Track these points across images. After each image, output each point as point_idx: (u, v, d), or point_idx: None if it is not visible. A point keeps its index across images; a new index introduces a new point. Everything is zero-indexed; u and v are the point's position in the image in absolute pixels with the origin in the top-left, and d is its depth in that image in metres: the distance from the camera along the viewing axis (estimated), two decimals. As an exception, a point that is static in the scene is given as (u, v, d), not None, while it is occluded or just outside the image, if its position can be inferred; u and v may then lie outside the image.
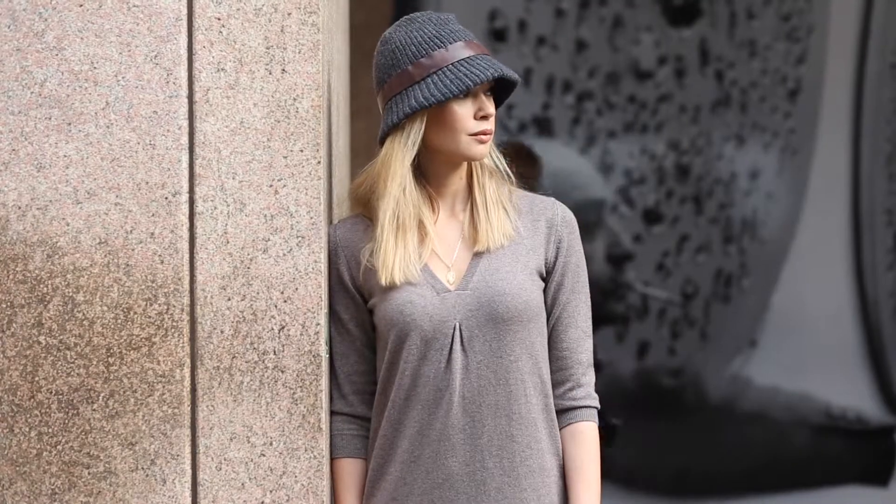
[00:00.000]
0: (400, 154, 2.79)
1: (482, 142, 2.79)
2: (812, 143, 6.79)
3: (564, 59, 6.47)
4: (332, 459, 2.84)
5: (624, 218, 6.70)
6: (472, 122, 2.78)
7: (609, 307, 6.70)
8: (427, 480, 2.78)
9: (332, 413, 2.85)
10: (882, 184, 6.88)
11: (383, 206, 2.79)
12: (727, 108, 6.71)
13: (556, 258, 2.83)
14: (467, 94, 2.77)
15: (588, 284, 2.87)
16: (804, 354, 6.76)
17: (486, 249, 2.80)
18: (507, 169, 2.87)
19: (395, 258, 2.79)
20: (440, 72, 2.75)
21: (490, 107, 2.79)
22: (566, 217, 2.86)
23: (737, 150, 6.73)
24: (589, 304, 2.87)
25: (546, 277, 2.83)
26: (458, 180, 2.85)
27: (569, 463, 2.85)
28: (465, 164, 2.84)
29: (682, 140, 6.71)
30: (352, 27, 4.51)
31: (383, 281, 2.77)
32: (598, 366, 2.95)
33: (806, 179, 6.82)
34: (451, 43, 2.78)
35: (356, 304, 2.83)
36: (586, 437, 2.87)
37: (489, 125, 2.79)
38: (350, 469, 2.85)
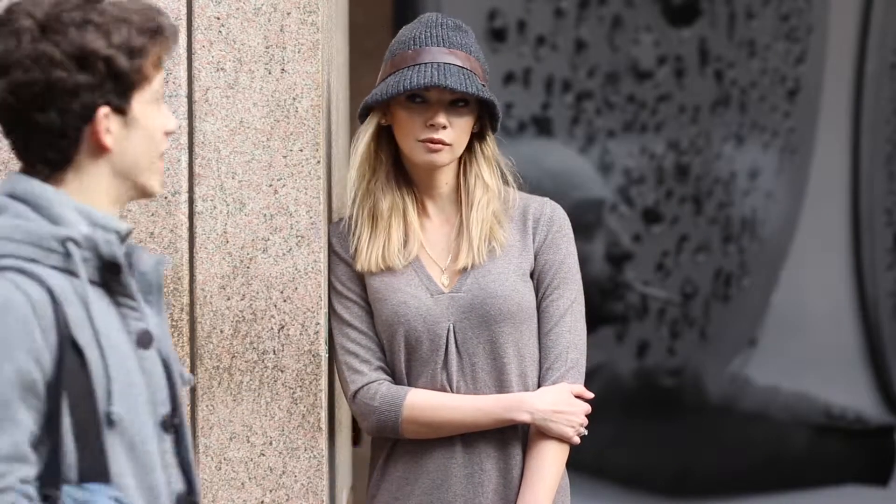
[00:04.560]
0: (366, 149, 2.80)
1: (429, 150, 2.76)
2: (811, 142, 6.79)
3: (564, 58, 6.47)
4: (406, 401, 2.76)
5: (623, 218, 6.70)
6: (421, 128, 2.76)
7: (608, 307, 6.70)
8: (427, 481, 2.78)
9: (373, 382, 2.79)
10: (881, 184, 6.87)
11: (358, 199, 2.80)
12: (726, 107, 6.70)
13: (538, 255, 2.82)
14: (417, 98, 2.76)
15: (579, 283, 2.85)
16: (804, 354, 6.75)
17: (467, 267, 2.79)
18: (508, 174, 2.86)
19: (370, 248, 2.79)
20: (397, 72, 2.75)
21: (441, 117, 2.75)
22: (553, 215, 2.84)
23: (736, 149, 6.73)
24: (579, 301, 2.84)
25: (533, 275, 2.83)
26: (443, 185, 2.84)
27: (527, 459, 2.81)
28: (448, 171, 2.83)
29: (682, 140, 6.70)
30: (351, 27, 4.51)
31: (358, 266, 2.78)
32: (597, 366, 2.93)
33: (805, 179, 6.81)
34: (424, 46, 2.76)
35: (361, 281, 2.82)
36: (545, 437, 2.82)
37: (437, 134, 2.75)
38: (427, 391, 2.79)
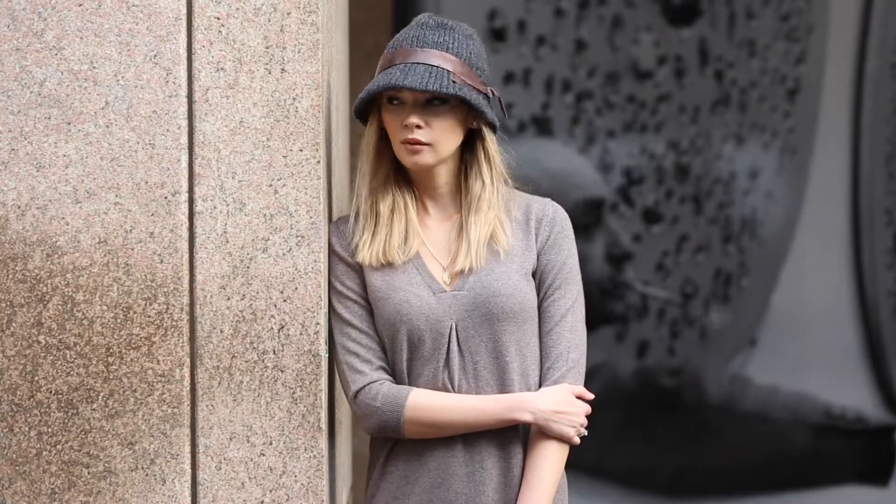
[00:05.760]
0: (364, 149, 2.82)
1: (409, 151, 2.77)
2: (811, 142, 6.79)
3: (564, 58, 6.47)
4: (408, 401, 2.76)
5: (623, 217, 6.70)
6: (399, 129, 2.77)
7: (608, 307, 6.70)
8: (427, 479, 2.79)
9: (374, 382, 2.80)
10: (881, 184, 6.88)
11: (363, 195, 2.82)
12: (726, 107, 6.70)
13: (540, 255, 2.83)
14: (394, 100, 2.76)
15: (580, 283, 2.86)
16: (804, 354, 6.75)
17: (464, 269, 2.80)
18: (509, 173, 2.86)
19: (371, 244, 2.80)
20: (379, 74, 2.77)
21: (412, 117, 2.76)
22: (555, 216, 2.85)
23: (736, 149, 6.73)
24: (580, 301, 2.85)
25: (534, 275, 2.83)
26: (443, 184, 2.84)
27: (528, 459, 2.82)
28: (446, 170, 2.83)
29: (682, 140, 6.71)
30: (351, 27, 4.52)
31: (358, 258, 2.79)
32: (597, 366, 2.94)
33: (805, 179, 6.82)
34: (400, 48, 2.77)
35: (361, 280, 2.83)
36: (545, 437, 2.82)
37: (412, 134, 2.76)
38: (429, 391, 2.79)
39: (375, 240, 2.80)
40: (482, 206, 2.81)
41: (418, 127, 2.75)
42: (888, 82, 6.84)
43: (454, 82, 2.74)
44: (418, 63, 2.74)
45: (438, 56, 2.76)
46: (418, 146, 2.76)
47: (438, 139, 2.77)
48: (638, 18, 6.57)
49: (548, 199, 2.88)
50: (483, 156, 2.83)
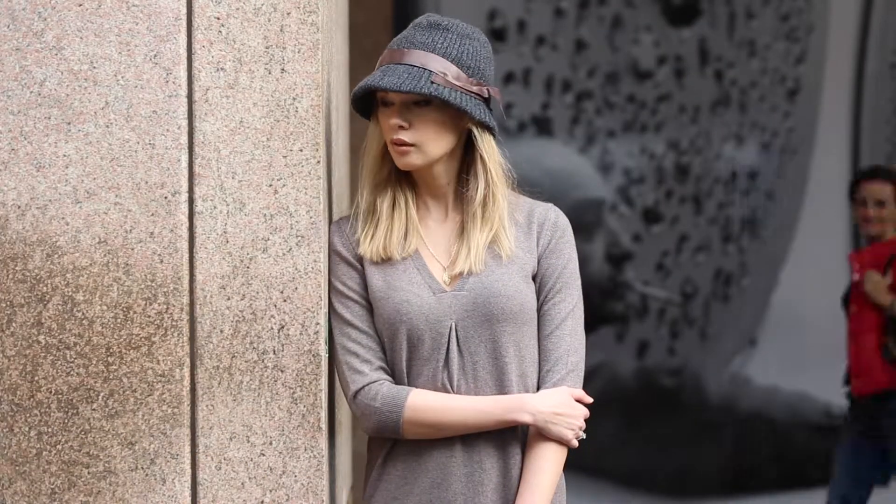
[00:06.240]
0: (367, 147, 2.83)
1: (396, 152, 2.78)
2: (811, 142, 6.80)
3: (564, 58, 6.48)
4: (407, 402, 2.75)
5: (623, 217, 6.70)
6: (388, 130, 2.77)
7: (608, 307, 6.71)
8: (426, 480, 2.79)
9: (373, 382, 2.80)
10: (881, 183, 6.87)
11: (365, 192, 2.82)
12: (726, 107, 6.71)
13: (541, 259, 2.83)
14: (385, 101, 2.77)
15: (580, 289, 2.86)
16: (804, 354, 6.77)
17: (463, 272, 2.80)
18: (506, 175, 2.86)
19: (373, 239, 2.80)
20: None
21: (394, 118, 2.76)
22: (557, 221, 2.85)
23: (736, 149, 6.74)
24: (579, 306, 2.85)
25: (534, 279, 2.83)
26: (444, 185, 2.84)
27: (526, 459, 2.82)
28: (445, 171, 2.83)
29: (682, 140, 6.71)
30: (351, 27, 4.52)
31: (360, 250, 2.79)
32: (597, 366, 2.94)
33: (805, 179, 6.83)
34: (395, 48, 2.78)
35: (362, 280, 2.83)
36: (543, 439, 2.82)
37: (396, 135, 2.76)
38: (429, 392, 2.78)
39: (376, 235, 2.81)
40: (480, 209, 2.81)
41: (402, 128, 2.76)
42: (888, 82, 6.84)
43: (432, 82, 2.73)
44: (400, 64, 2.75)
45: (422, 56, 2.76)
46: (404, 147, 2.76)
47: (423, 140, 2.77)
48: (638, 18, 6.57)
49: (550, 205, 2.88)
50: (480, 157, 2.83)
